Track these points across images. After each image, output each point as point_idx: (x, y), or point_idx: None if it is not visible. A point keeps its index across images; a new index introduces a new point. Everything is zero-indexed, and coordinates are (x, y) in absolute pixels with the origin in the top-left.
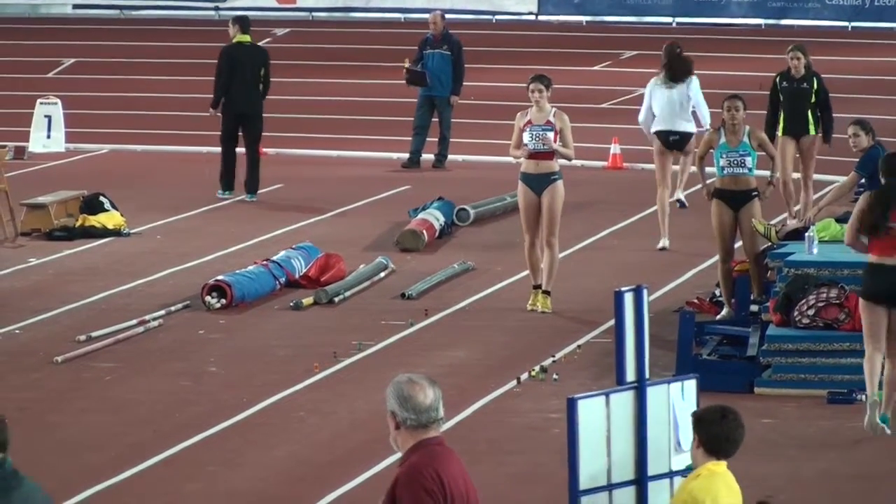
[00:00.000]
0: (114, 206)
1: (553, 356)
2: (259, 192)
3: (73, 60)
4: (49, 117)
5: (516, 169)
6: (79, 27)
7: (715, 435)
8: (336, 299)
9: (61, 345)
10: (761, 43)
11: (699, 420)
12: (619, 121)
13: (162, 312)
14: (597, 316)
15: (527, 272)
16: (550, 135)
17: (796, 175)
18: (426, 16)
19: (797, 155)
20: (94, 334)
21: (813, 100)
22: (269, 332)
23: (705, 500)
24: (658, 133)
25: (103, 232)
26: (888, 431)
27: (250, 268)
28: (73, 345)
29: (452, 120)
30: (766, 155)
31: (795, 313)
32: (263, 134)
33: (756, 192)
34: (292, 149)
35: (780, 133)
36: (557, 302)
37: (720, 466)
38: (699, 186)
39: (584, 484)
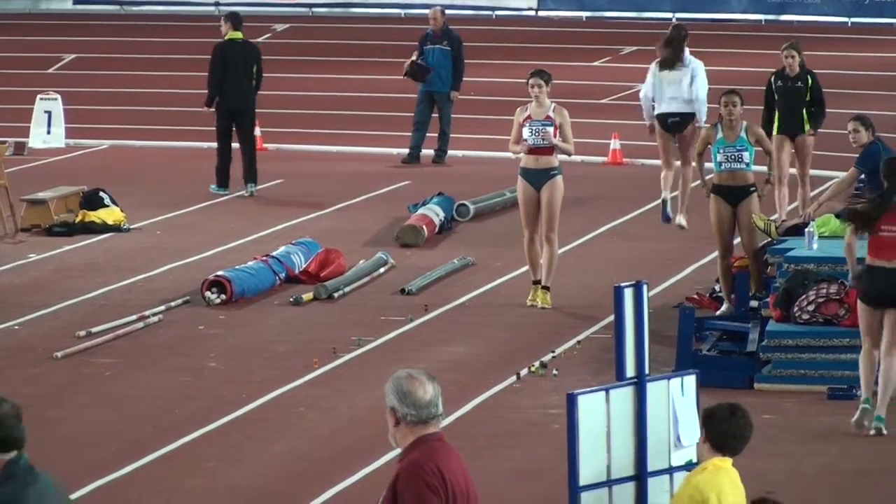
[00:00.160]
0: (113, 202)
1: (553, 352)
2: (259, 187)
3: (73, 56)
4: (49, 113)
5: (516, 164)
6: (79, 23)
7: (723, 432)
8: (336, 295)
9: (61, 340)
10: (761, 38)
11: (709, 416)
12: (619, 116)
13: (162, 308)
14: (596, 311)
15: (526, 268)
16: (550, 130)
17: (792, 170)
18: (426, 11)
19: (793, 151)
20: (93, 330)
21: (808, 98)
22: (268, 328)
23: (710, 495)
24: (658, 116)
25: (103, 227)
26: (885, 432)
27: (250, 263)
28: (73, 340)
29: (452, 115)
30: (763, 151)
31: (795, 309)
32: (263, 129)
33: (754, 188)
34: (292, 144)
35: (775, 132)
36: (557, 297)
37: (726, 462)
38: (698, 183)
39: (583, 479)
